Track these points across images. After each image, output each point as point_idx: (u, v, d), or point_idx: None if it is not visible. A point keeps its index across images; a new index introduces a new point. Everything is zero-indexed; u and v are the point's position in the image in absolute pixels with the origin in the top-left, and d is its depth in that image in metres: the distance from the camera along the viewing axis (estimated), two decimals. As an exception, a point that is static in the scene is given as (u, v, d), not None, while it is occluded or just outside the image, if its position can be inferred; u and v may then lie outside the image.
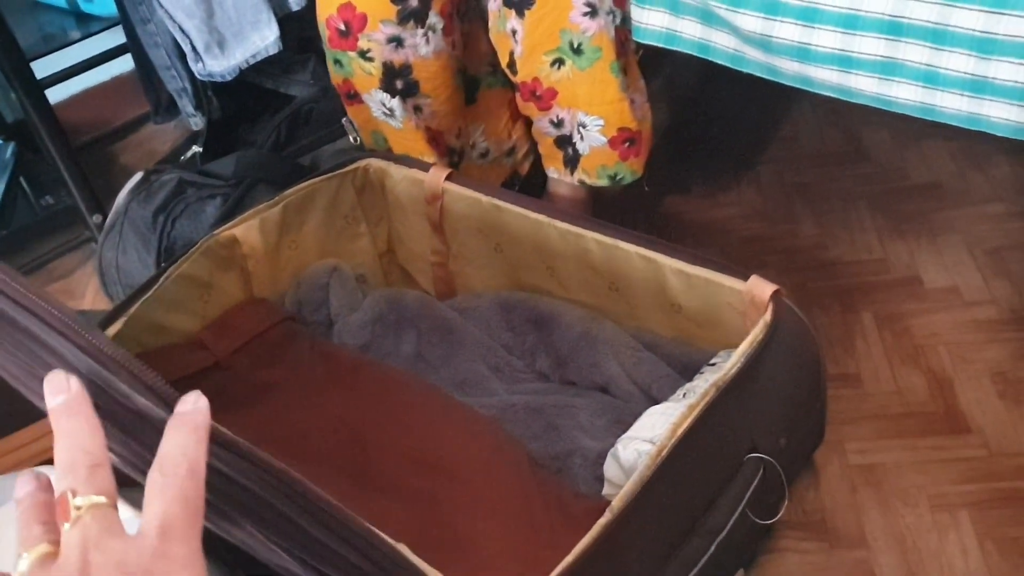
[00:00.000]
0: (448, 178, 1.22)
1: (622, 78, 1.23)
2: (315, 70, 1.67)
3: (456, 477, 0.98)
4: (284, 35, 1.54)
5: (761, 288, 0.98)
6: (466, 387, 1.16)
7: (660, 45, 1.18)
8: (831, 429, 1.12)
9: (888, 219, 1.42)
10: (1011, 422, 1.09)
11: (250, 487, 0.44)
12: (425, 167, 1.25)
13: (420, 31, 1.22)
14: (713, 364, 1.05)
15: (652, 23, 1.16)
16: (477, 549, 0.89)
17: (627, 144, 1.28)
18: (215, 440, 0.43)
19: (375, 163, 1.29)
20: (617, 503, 0.79)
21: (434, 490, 0.97)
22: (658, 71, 1.82)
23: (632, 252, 1.08)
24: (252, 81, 1.65)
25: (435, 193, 1.23)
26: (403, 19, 1.20)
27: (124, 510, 0.55)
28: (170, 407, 0.44)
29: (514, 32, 1.23)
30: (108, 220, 1.46)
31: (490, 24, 1.29)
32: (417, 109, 1.29)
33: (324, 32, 1.25)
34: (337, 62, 1.27)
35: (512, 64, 1.27)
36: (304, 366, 1.17)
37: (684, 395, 1.01)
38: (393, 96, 1.27)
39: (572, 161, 1.33)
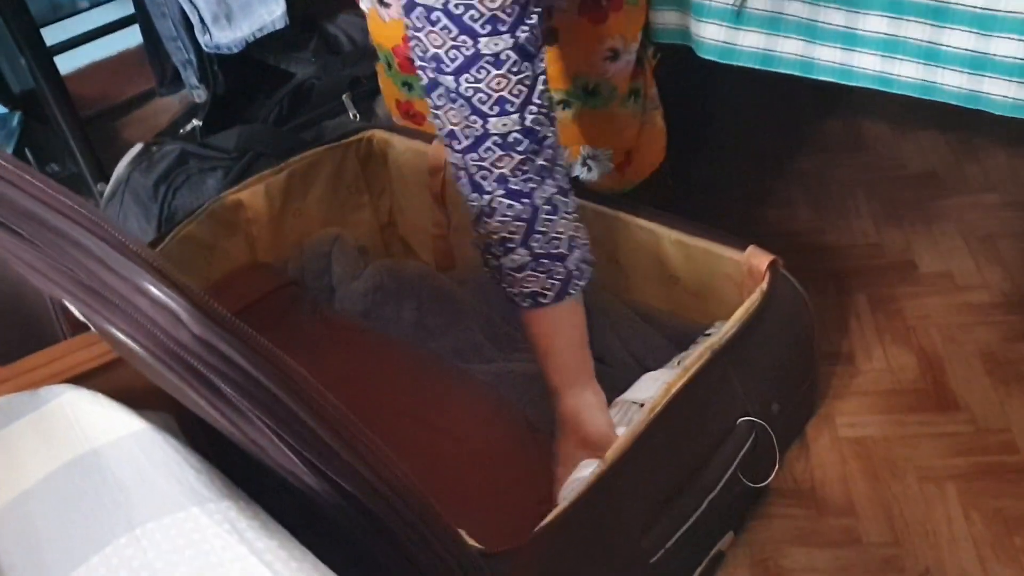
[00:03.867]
0: (451, 149, 1.23)
1: (632, 103, 1.22)
2: (316, 47, 1.68)
3: (454, 434, 1.00)
4: (290, 11, 1.55)
5: (759, 258, 1.00)
6: (464, 355, 1.18)
7: (677, 43, 1.20)
8: (823, 403, 1.14)
9: (885, 206, 1.44)
10: (998, 400, 1.11)
11: (266, 383, 0.45)
12: (428, 139, 1.26)
13: None
14: (708, 335, 1.07)
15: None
16: (473, 501, 0.91)
17: (627, 162, 1.27)
18: (236, 333, 0.44)
19: (379, 134, 1.30)
20: (610, 454, 0.81)
21: (432, 446, 0.98)
22: (661, 63, 1.83)
23: (632, 223, 1.09)
24: (256, 56, 1.67)
25: (437, 165, 1.25)
26: None
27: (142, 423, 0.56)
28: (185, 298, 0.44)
29: None
30: (108, 189, 1.47)
31: None
32: None
33: (393, 58, 1.24)
34: (406, 84, 1.27)
35: None
36: (304, 329, 1.18)
37: (679, 363, 1.02)
38: None
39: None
